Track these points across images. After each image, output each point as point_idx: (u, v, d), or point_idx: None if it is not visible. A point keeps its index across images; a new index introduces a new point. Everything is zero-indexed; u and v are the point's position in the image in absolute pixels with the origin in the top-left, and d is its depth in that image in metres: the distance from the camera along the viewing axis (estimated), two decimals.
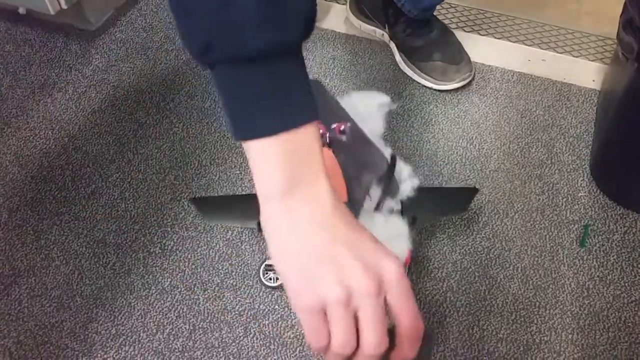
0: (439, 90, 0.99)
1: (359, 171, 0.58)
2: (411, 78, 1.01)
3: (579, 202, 0.86)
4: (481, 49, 1.05)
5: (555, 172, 0.90)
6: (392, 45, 1.04)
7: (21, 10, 1.12)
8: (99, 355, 0.74)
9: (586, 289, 0.78)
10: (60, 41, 1.09)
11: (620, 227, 0.84)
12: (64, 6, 0.99)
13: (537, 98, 0.99)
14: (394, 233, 0.65)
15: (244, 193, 0.87)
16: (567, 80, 1.01)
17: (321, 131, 0.63)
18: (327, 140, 0.64)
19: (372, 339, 0.41)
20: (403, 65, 1.02)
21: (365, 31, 1.08)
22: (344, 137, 0.64)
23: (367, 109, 0.72)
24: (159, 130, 0.95)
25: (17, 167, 0.91)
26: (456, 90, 0.99)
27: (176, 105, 0.99)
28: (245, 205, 0.72)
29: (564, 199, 0.87)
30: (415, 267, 0.76)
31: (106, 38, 1.09)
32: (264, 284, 0.77)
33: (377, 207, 0.64)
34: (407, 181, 0.71)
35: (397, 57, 1.03)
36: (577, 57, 1.05)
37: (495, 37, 1.09)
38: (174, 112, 0.98)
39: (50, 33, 1.10)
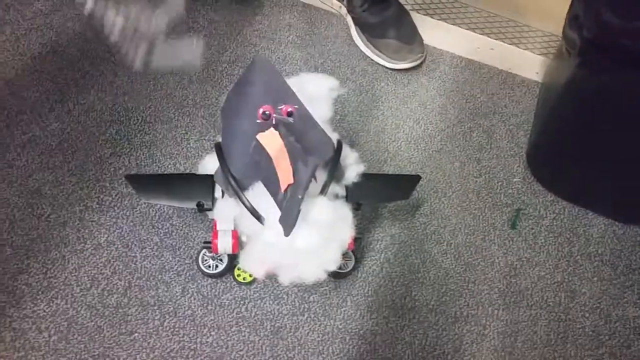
0: (391, 69, 1.01)
1: (305, 154, 0.58)
2: (364, 54, 1.02)
3: (513, 187, 0.90)
4: (433, 32, 1.07)
5: (494, 157, 0.93)
6: (349, 19, 1.04)
7: None
8: (28, 307, 0.71)
9: (514, 268, 0.83)
10: None
11: (550, 213, 0.89)
12: None
13: (483, 85, 1.02)
14: (338, 217, 0.66)
15: (183, 172, 0.85)
16: (512, 71, 1.05)
17: (268, 112, 0.62)
18: (274, 121, 0.63)
19: None
20: (357, 40, 1.03)
21: (324, 1, 1.07)
22: (291, 119, 0.63)
23: (316, 92, 0.72)
24: (102, 82, 0.92)
25: None
26: (407, 70, 1.01)
27: (122, 58, 0.95)
28: (185, 185, 0.71)
29: (500, 183, 0.91)
30: (354, 253, 0.78)
31: None
32: (203, 271, 0.75)
33: (322, 191, 0.65)
34: (353, 167, 0.72)
35: (353, 31, 1.04)
36: (523, 49, 1.09)
37: (447, 22, 1.11)
38: (119, 64, 0.94)
39: None
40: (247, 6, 1.05)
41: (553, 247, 0.85)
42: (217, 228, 0.68)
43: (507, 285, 0.81)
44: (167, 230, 0.79)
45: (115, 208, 0.80)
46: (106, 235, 0.78)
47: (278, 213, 0.62)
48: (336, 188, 0.68)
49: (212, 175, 0.70)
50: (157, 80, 0.93)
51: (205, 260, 0.75)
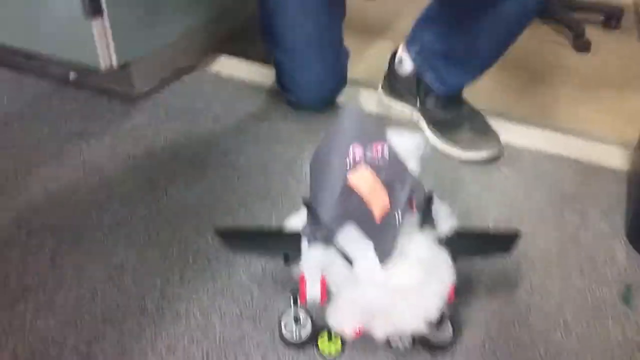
0: (467, 161, 1.00)
1: (399, 186, 0.57)
2: (439, 149, 1.02)
3: (617, 264, 0.83)
4: (507, 132, 1.07)
5: (590, 236, 0.87)
6: (422, 124, 1.07)
7: (72, 77, 1.19)
8: None
9: (636, 344, 0.72)
10: (104, 101, 1.14)
11: None
12: (114, 63, 1.05)
13: (568, 175, 1.00)
14: (438, 258, 0.62)
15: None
16: (594, 161, 1.03)
17: (358, 152, 0.61)
18: (365, 160, 0.61)
19: None
20: (431, 137, 1.04)
21: (396, 109, 1.12)
22: (380, 159, 0.62)
23: (404, 148, 0.71)
24: (190, 179, 0.95)
25: (42, 198, 0.90)
26: (485, 162, 1.00)
27: (210, 160, 1.00)
28: (273, 238, 0.69)
29: (602, 260, 0.83)
30: (451, 321, 0.71)
31: (149, 102, 1.15)
32: (284, 338, 0.70)
33: (424, 220, 0.62)
34: (446, 220, 0.68)
35: (427, 132, 1.06)
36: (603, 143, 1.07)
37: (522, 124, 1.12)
38: (207, 164, 0.99)
39: (95, 94, 1.16)
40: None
41: None
42: (305, 276, 0.64)
43: None
44: (247, 302, 0.75)
45: (196, 280, 0.78)
46: (185, 305, 0.74)
47: (369, 256, 0.58)
48: (432, 235, 0.64)
49: (299, 232, 0.67)
50: (242, 175, 0.96)
51: (287, 325, 0.70)
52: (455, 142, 1.00)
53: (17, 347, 0.69)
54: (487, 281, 0.79)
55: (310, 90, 1.07)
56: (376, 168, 0.59)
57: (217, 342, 0.70)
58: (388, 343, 0.70)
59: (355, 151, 0.59)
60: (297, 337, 0.68)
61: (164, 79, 1.19)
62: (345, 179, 0.59)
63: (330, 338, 0.70)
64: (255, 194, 0.92)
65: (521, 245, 0.82)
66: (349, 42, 1.11)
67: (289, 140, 1.06)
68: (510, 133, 1.07)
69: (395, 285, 0.57)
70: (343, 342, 0.70)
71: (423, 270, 0.57)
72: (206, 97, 1.16)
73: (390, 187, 0.57)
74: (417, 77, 1.06)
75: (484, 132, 1.00)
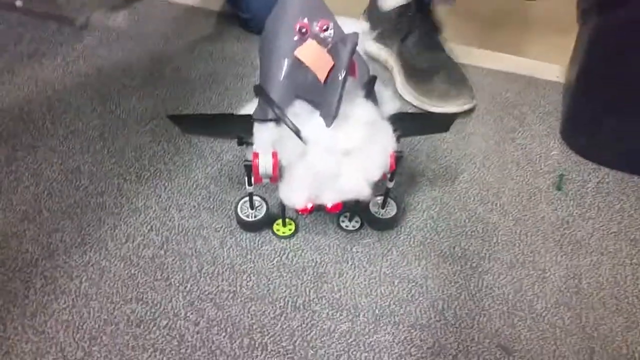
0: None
1: (342, 49, 0.59)
2: (408, 102, 0.99)
3: (552, 159, 0.89)
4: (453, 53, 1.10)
5: (528, 137, 0.93)
6: (395, 72, 1.04)
7: (18, 4, 1.17)
8: (60, 259, 0.69)
9: (566, 222, 0.78)
10: (53, 26, 1.13)
11: (594, 178, 0.86)
12: None
13: (508, 86, 1.05)
14: (380, 124, 0.65)
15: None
16: (535, 75, 1.08)
17: (304, 29, 0.64)
18: (311, 34, 0.64)
19: None
20: (401, 88, 1.01)
21: (371, 50, 1.08)
22: (328, 33, 0.65)
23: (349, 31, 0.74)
24: (143, 92, 0.96)
25: None
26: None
27: (162, 76, 1.01)
28: (226, 122, 0.71)
29: (538, 156, 0.89)
30: (395, 201, 0.76)
31: (99, 26, 1.14)
32: (240, 219, 0.73)
33: (368, 96, 0.65)
34: (389, 103, 0.72)
35: (398, 79, 1.02)
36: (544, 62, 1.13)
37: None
38: (159, 80, 1.00)
39: (45, 20, 1.15)
40: None
41: (603, 204, 0.81)
42: (257, 150, 0.67)
43: (562, 236, 0.76)
44: (204, 196, 0.78)
45: (154, 179, 0.80)
46: (144, 201, 0.77)
47: (315, 121, 0.61)
48: (375, 109, 0.67)
49: (250, 114, 0.71)
50: (194, 89, 0.98)
51: (244, 210, 0.73)
52: (425, 95, 0.97)
53: None
54: (430, 175, 0.84)
55: (261, 3, 1.06)
56: (321, 41, 0.62)
57: (177, 230, 0.73)
58: (338, 224, 0.74)
59: (301, 27, 0.62)
60: (252, 217, 0.72)
61: (115, 6, 1.19)
62: (292, 54, 0.62)
63: (284, 224, 0.74)
64: (209, 105, 0.94)
65: (461, 145, 0.88)
66: None
67: (242, 60, 1.08)
68: (455, 52, 1.11)
69: (340, 146, 0.60)
70: (297, 226, 0.74)
71: (366, 133, 0.61)
72: (157, 21, 1.16)
73: (334, 51, 0.60)
74: (398, 12, 1.03)
75: (457, 85, 0.97)
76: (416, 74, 1.00)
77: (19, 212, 0.74)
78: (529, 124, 0.95)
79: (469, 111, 0.96)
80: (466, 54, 1.11)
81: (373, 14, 1.08)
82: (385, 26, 1.05)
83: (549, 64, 1.12)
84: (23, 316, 0.62)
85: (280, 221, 0.74)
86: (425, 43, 1.02)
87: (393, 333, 0.63)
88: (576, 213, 0.80)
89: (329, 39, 0.64)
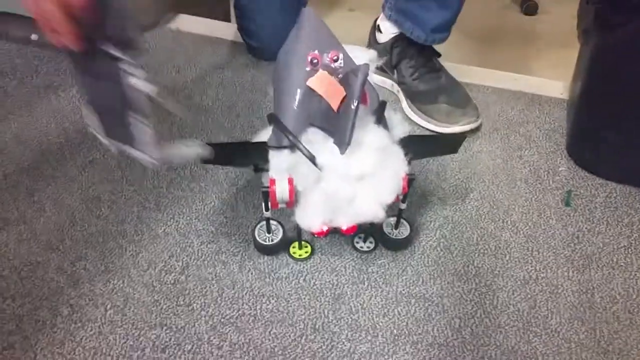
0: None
1: (354, 79, 0.62)
2: (417, 123, 1.01)
3: (560, 175, 0.91)
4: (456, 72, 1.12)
5: (535, 153, 0.95)
6: (400, 95, 1.07)
7: (33, 37, 1.20)
8: (85, 287, 0.71)
9: (576, 237, 0.80)
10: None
11: (602, 193, 0.88)
12: None
13: (513, 104, 1.07)
14: (391, 149, 0.68)
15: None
16: (538, 93, 1.10)
17: (316, 60, 0.67)
18: (322, 65, 0.67)
19: None
20: (408, 111, 1.03)
21: (377, 81, 1.10)
22: (338, 64, 0.68)
23: (358, 61, 0.77)
24: (157, 120, 0.98)
25: (15, 143, 0.93)
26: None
27: (177, 101, 1.04)
28: (242, 150, 0.74)
29: (545, 173, 0.91)
30: (408, 221, 0.78)
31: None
32: (258, 243, 0.75)
33: (378, 122, 0.67)
34: (399, 127, 0.74)
35: (404, 104, 1.05)
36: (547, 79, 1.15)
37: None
38: (180, 100, 1.02)
39: (59, 52, 1.18)
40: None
41: (612, 219, 0.83)
42: (273, 176, 0.69)
43: (573, 252, 0.78)
44: (221, 222, 0.80)
45: (172, 207, 0.82)
46: (163, 228, 0.79)
47: (329, 148, 0.64)
48: (387, 133, 0.69)
49: (265, 142, 0.73)
50: (207, 116, 1.00)
51: (261, 234, 0.75)
52: (431, 115, 0.99)
53: (4, 270, 0.72)
54: (440, 194, 0.86)
55: (270, 31, 1.10)
56: (332, 71, 0.65)
57: (196, 255, 0.75)
58: (353, 245, 0.76)
59: (313, 58, 0.65)
60: (270, 241, 0.74)
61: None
62: (305, 84, 0.64)
63: (300, 247, 0.76)
64: (222, 131, 0.97)
65: (469, 163, 0.90)
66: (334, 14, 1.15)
67: (252, 86, 1.10)
68: (457, 71, 1.14)
69: (354, 172, 0.62)
70: (313, 249, 0.76)
71: (378, 158, 0.63)
72: (167, 51, 1.19)
73: (345, 81, 0.62)
74: (392, 43, 1.07)
75: (462, 104, 0.98)
76: (418, 98, 1.02)
77: (43, 242, 0.76)
78: (535, 141, 0.97)
79: (476, 129, 0.98)
80: (469, 72, 1.13)
81: (372, 47, 1.11)
82: (384, 57, 1.08)
83: (553, 80, 1.14)
84: (52, 344, 0.64)
85: (296, 244, 0.76)
86: (422, 67, 1.04)
87: (412, 353, 0.65)
88: (586, 228, 0.81)
89: (340, 69, 0.66)
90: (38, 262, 0.74)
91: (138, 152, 0.61)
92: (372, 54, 0.76)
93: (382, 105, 0.69)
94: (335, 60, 0.67)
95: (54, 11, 0.52)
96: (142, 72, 0.57)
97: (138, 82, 0.57)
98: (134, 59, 0.56)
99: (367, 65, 0.60)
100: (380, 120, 0.69)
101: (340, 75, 0.66)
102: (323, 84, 0.65)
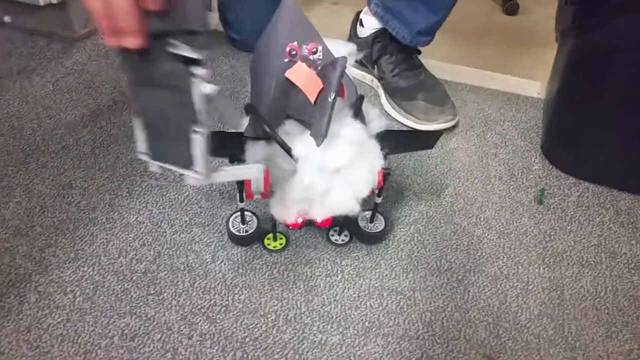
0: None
1: (332, 72, 0.61)
2: (395, 119, 1.02)
3: (534, 173, 0.92)
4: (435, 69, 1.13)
5: (510, 152, 0.96)
6: (380, 90, 1.07)
7: (6, 19, 1.18)
8: (54, 274, 0.70)
9: (548, 235, 0.81)
10: (42, 42, 1.14)
11: (574, 192, 0.89)
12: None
13: (490, 103, 1.08)
14: (368, 143, 0.68)
15: None
16: (515, 92, 1.12)
17: (294, 51, 0.66)
18: (300, 57, 0.67)
19: None
20: (387, 107, 1.04)
21: (355, 76, 1.11)
22: (317, 56, 0.68)
23: (337, 54, 0.76)
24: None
25: None
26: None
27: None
28: (215, 138, 0.72)
29: (520, 171, 0.92)
30: (383, 215, 0.78)
31: (88, 42, 1.15)
32: (232, 234, 0.74)
33: (356, 116, 0.67)
34: (376, 121, 0.74)
35: (383, 99, 1.06)
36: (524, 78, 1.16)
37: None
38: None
39: (33, 36, 1.16)
40: None
41: (583, 217, 0.84)
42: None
43: (544, 249, 0.79)
44: (195, 212, 0.79)
45: (145, 195, 0.81)
46: (136, 216, 0.78)
47: (306, 141, 0.63)
48: (363, 127, 0.69)
49: (242, 132, 0.72)
50: None
51: (235, 225, 0.75)
52: (410, 112, 1.00)
53: None
54: (416, 189, 0.86)
55: (251, 24, 1.09)
56: (311, 63, 0.64)
57: (169, 244, 0.74)
58: (328, 238, 0.76)
59: (292, 49, 0.64)
60: (244, 232, 0.73)
61: None
62: (282, 75, 0.64)
63: (275, 239, 0.76)
64: None
65: (445, 159, 0.91)
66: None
67: (231, 76, 1.10)
68: (437, 69, 1.14)
69: (330, 165, 0.62)
70: (287, 240, 0.76)
71: (354, 151, 0.63)
72: None
73: (323, 74, 0.62)
74: (373, 38, 1.07)
75: (440, 102, 0.99)
76: (398, 94, 1.03)
77: (12, 228, 0.74)
78: (510, 140, 0.98)
79: (453, 127, 0.99)
80: (449, 70, 1.14)
81: (352, 40, 1.11)
82: (364, 51, 1.08)
83: (530, 80, 1.15)
84: (17, 331, 0.63)
85: (271, 235, 0.76)
86: (402, 64, 1.04)
87: (382, 345, 0.65)
88: (558, 226, 0.82)
89: (318, 62, 0.66)
90: (6, 248, 0.72)
91: (185, 169, 0.54)
92: (351, 47, 0.76)
93: (360, 99, 0.69)
94: (314, 53, 0.67)
95: (129, 6, 0.44)
96: (208, 73, 0.49)
97: (206, 86, 0.49)
98: (203, 57, 0.48)
99: (344, 58, 0.60)
100: (358, 114, 0.69)
101: (319, 68, 0.65)
102: (301, 75, 0.65)
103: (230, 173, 0.60)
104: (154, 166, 0.56)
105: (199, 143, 0.51)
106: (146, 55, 0.48)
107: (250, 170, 0.62)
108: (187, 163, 0.53)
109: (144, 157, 0.56)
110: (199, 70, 0.48)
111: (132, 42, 0.46)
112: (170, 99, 0.50)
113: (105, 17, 0.45)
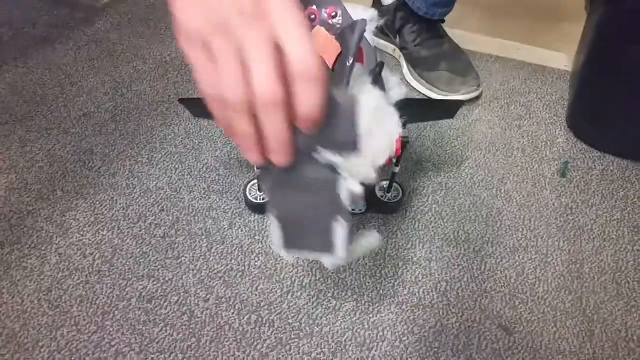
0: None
1: (350, 35, 0.60)
2: (416, 90, 1.01)
3: (557, 146, 0.90)
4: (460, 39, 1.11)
5: (534, 124, 0.94)
6: (402, 60, 1.06)
7: None
8: (74, 237, 0.71)
9: (569, 208, 0.79)
10: (65, 10, 1.15)
11: (599, 165, 0.87)
12: None
13: (515, 73, 1.06)
14: (386, 109, 0.67)
15: None
16: (542, 64, 1.09)
17: (313, 16, 0.65)
18: (319, 23, 0.66)
19: (260, 77, 0.34)
20: (409, 77, 1.02)
21: (378, 46, 1.09)
22: (334, 21, 0.67)
23: (357, 18, 0.75)
24: (154, 75, 0.98)
25: (10, 93, 0.92)
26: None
27: (173, 59, 1.03)
28: None
29: (543, 144, 0.90)
30: (401, 186, 0.77)
31: (111, 10, 1.16)
32: (249, 201, 0.75)
33: (375, 83, 0.66)
34: (396, 89, 0.73)
35: (405, 70, 1.04)
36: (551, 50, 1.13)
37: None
38: (170, 63, 1.01)
39: (57, 5, 1.16)
40: None
41: (607, 191, 0.82)
42: None
43: (565, 222, 0.77)
44: (214, 179, 0.80)
45: (165, 162, 0.82)
46: (155, 182, 0.79)
47: None
48: (382, 95, 0.68)
49: None
50: None
51: (253, 192, 0.75)
52: (432, 83, 0.98)
53: None
54: (435, 160, 0.85)
55: None
56: (330, 27, 0.64)
57: (187, 210, 0.75)
58: None
59: (311, 13, 0.63)
60: (261, 199, 0.74)
61: None
62: None
63: None
64: None
65: (467, 131, 0.89)
66: None
67: None
68: (462, 39, 1.12)
69: None
70: None
71: (372, 118, 0.62)
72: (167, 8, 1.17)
73: (342, 38, 0.61)
74: (395, 7, 1.05)
75: (463, 73, 0.97)
76: (420, 64, 1.01)
77: (34, 192, 0.76)
78: (535, 112, 0.96)
79: (476, 98, 0.97)
80: (474, 41, 1.11)
81: (376, 7, 1.09)
82: (387, 19, 1.06)
83: (557, 52, 1.12)
84: (39, 291, 0.64)
85: None
86: (424, 33, 1.02)
87: (397, 313, 0.65)
88: (580, 200, 0.81)
89: (338, 26, 0.65)
90: (29, 211, 0.73)
91: (324, 253, 0.52)
92: (372, 12, 0.74)
93: (380, 66, 0.68)
94: (334, 17, 0.66)
95: (283, 130, 0.38)
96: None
97: (355, 185, 0.47)
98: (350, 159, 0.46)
99: (364, 21, 0.58)
100: (377, 80, 0.68)
101: (338, 32, 0.64)
102: (320, 40, 0.64)
103: (360, 249, 0.55)
104: (289, 256, 0.53)
105: (342, 232, 0.49)
106: (291, 166, 0.44)
107: (369, 239, 0.56)
108: (326, 248, 0.51)
109: (279, 250, 0.52)
110: (344, 172, 0.46)
111: (281, 161, 0.41)
112: (313, 199, 0.48)
113: (250, 138, 0.39)
